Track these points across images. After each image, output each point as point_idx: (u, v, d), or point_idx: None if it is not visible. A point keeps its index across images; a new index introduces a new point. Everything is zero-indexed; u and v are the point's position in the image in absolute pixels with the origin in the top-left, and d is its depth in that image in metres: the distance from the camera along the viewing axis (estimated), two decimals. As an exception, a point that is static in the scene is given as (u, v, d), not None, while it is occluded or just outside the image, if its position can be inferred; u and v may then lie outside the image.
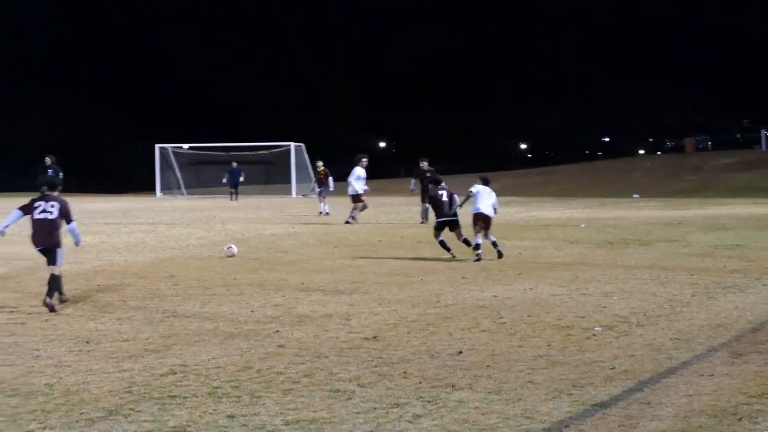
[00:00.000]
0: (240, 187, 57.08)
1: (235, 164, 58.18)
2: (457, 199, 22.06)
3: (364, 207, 33.70)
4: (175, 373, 9.76)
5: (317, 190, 42.05)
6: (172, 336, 11.90)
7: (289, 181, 63.05)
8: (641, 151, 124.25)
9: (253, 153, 65.42)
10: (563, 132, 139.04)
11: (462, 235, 21.44)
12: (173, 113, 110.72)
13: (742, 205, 42.35)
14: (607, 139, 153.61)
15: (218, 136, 72.46)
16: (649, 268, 18.65)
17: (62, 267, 14.76)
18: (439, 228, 21.89)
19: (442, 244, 21.61)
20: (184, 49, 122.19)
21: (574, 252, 22.07)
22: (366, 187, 33.68)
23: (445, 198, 22.07)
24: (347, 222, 32.39)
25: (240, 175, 57.12)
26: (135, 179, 78.82)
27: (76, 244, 15.25)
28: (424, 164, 33.07)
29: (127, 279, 17.84)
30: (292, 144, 63.68)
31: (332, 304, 14.52)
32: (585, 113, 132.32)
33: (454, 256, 21.01)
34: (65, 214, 14.78)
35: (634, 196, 53.27)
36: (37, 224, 14.63)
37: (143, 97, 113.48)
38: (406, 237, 26.99)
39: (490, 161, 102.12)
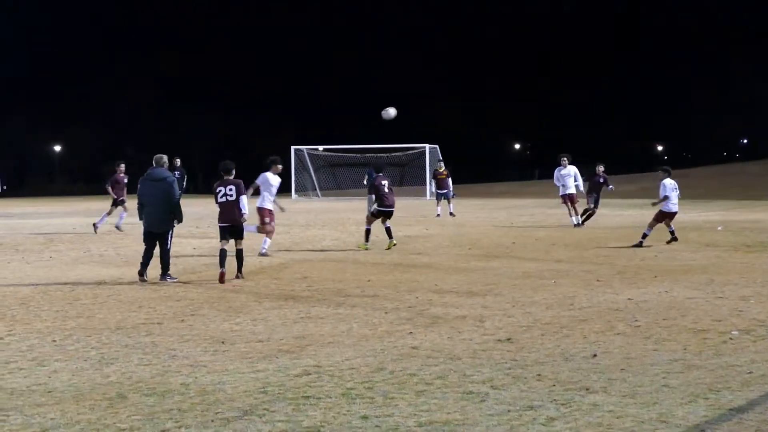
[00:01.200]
0: None
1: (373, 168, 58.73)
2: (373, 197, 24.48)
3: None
4: (309, 374, 9.89)
5: (435, 192, 42.09)
6: (306, 337, 12.05)
7: (423, 183, 63.26)
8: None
9: (388, 155, 65.80)
10: (700, 134, 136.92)
11: (388, 225, 24.48)
12: (310, 115, 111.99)
13: None
14: (744, 141, 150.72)
15: (352, 138, 72.94)
16: (789, 271, 18.31)
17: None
18: (376, 215, 24.17)
19: (368, 233, 24.08)
20: (326, 54, 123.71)
21: (710, 255, 21.75)
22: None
23: (386, 189, 24.41)
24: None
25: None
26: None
27: (242, 216, 18.34)
28: (600, 168, 33.21)
29: (262, 280, 18.11)
30: (427, 146, 63.93)
31: (466, 305, 14.54)
32: (722, 114, 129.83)
33: (368, 248, 23.93)
34: (240, 192, 18.50)
35: (719, 228, 52.16)
36: (222, 206, 18.50)
37: (281, 100, 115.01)
38: (540, 239, 26.90)
39: (628, 164, 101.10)
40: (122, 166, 31.42)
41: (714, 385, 9.12)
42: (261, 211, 22.76)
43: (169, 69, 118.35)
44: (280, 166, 23.08)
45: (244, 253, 18.93)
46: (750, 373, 9.67)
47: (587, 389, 9.05)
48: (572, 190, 32.85)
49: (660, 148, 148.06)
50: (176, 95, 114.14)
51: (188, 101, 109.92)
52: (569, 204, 32.76)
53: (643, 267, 19.40)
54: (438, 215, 39.59)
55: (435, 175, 43.21)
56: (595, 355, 10.66)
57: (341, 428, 7.85)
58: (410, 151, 66.50)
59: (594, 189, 32.78)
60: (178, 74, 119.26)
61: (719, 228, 30.11)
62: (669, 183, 24.66)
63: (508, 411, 8.28)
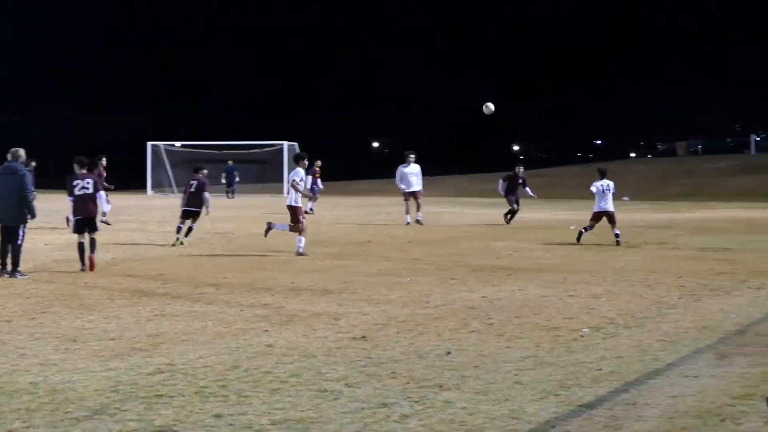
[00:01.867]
0: (238, 186, 57.50)
1: (231, 162, 58.45)
2: (208, 195, 26.12)
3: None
4: (162, 372, 9.76)
5: (310, 188, 41.94)
6: (159, 335, 11.89)
7: (281, 180, 63.05)
8: (632, 155, 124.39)
9: (246, 151, 65.44)
10: (555, 135, 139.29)
11: (193, 224, 25.61)
12: (166, 111, 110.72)
13: (732, 209, 42.50)
14: (599, 142, 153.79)
15: (211, 134, 72.32)
16: (637, 270, 18.71)
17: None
18: (182, 216, 25.50)
19: (179, 230, 25.17)
20: (182, 47, 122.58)
21: (563, 254, 22.13)
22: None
23: (192, 189, 25.93)
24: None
25: (237, 174, 57.47)
26: (125, 177, 78.56)
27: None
28: (520, 170, 34.04)
29: (115, 277, 17.85)
30: (285, 143, 63.71)
31: (321, 303, 14.53)
32: (577, 116, 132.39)
33: (181, 244, 24.64)
34: (97, 187, 19.45)
35: (624, 198, 53.30)
36: (78, 199, 19.16)
37: (137, 95, 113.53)
38: (396, 237, 27.04)
39: (486, 163, 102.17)
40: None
41: (564, 382, 9.27)
42: (294, 209, 22.61)
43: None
44: (307, 162, 23.63)
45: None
46: (599, 369, 9.84)
47: (441, 386, 9.11)
48: (417, 188, 32.95)
49: (516, 147, 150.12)
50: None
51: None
52: (408, 202, 32.95)
53: (497, 265, 19.63)
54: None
55: (313, 173, 42.76)
56: (449, 353, 10.74)
57: (194, 427, 7.76)
58: (268, 149, 66.17)
59: (513, 190, 33.23)
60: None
61: (572, 227, 30.63)
62: (598, 184, 25.61)
63: (362, 409, 8.28)
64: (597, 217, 25.54)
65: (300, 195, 22.68)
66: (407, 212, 32.92)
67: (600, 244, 24.56)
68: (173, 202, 51.31)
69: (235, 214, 38.91)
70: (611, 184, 25.83)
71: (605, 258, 21.15)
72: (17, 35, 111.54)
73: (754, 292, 15.71)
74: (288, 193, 23.16)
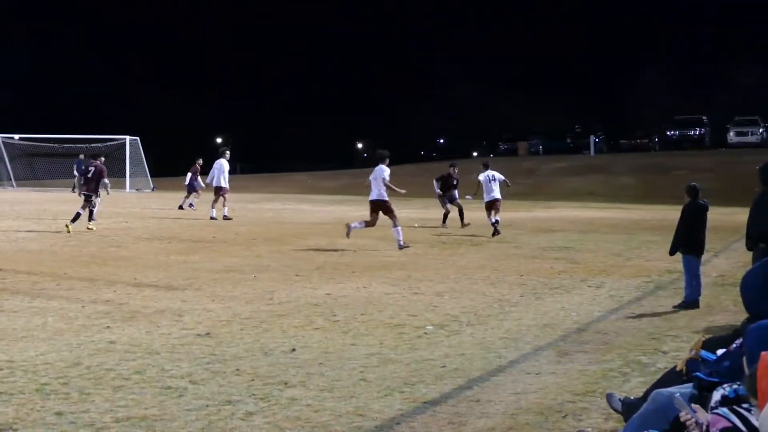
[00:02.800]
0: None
1: (82, 156, 57.53)
2: (107, 180, 27.74)
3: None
4: (2, 369, 9.52)
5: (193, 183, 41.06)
6: (-2, 331, 11.63)
7: (123, 175, 62.17)
8: (475, 154, 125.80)
9: (87, 146, 64.22)
10: (399, 132, 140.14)
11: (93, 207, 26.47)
12: (5, 103, 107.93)
13: (571, 209, 43.40)
14: (441, 141, 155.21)
15: (54, 128, 70.67)
16: (480, 268, 18.97)
17: None
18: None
19: (77, 216, 26.35)
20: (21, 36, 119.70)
21: (408, 251, 22.28)
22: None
23: (90, 175, 27.53)
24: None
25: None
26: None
27: None
28: (455, 170, 34.77)
29: (-49, 272, 17.38)
30: (128, 137, 62.90)
31: (165, 300, 14.37)
32: (422, 114, 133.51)
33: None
34: None
35: (467, 197, 53.93)
36: None
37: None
38: (241, 234, 26.89)
39: (331, 161, 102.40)
40: None
41: (409, 379, 9.35)
42: (382, 203, 23.15)
43: None
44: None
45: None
46: (443, 366, 9.95)
47: (286, 383, 9.10)
48: (223, 184, 33.95)
49: (360, 145, 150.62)
50: None
51: None
52: (221, 196, 34.03)
53: (342, 263, 19.68)
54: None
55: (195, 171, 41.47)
56: (293, 350, 10.73)
57: (35, 425, 7.60)
58: (110, 143, 65.12)
59: (447, 190, 33.30)
60: None
61: (416, 225, 30.93)
62: (483, 175, 28.45)
63: (207, 406, 8.23)
64: (489, 206, 27.81)
65: (385, 190, 23.16)
66: (212, 206, 34.16)
67: (445, 242, 24.82)
68: (13, 195, 50.23)
69: (75, 208, 38.08)
70: (496, 174, 28.47)
71: (448, 256, 21.38)
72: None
73: (594, 290, 16.06)
74: (376, 189, 22.95)
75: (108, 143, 64.99)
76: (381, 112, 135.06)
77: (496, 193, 28.07)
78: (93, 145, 64.08)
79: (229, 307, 13.81)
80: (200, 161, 40.90)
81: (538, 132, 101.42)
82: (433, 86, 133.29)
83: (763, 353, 4.79)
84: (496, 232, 26.58)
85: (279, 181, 70.72)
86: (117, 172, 62.56)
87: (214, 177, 34.26)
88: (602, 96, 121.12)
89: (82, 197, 28.35)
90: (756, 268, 6.80)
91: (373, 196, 23.08)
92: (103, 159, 29.64)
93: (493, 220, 26.85)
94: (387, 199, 23.06)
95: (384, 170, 23.06)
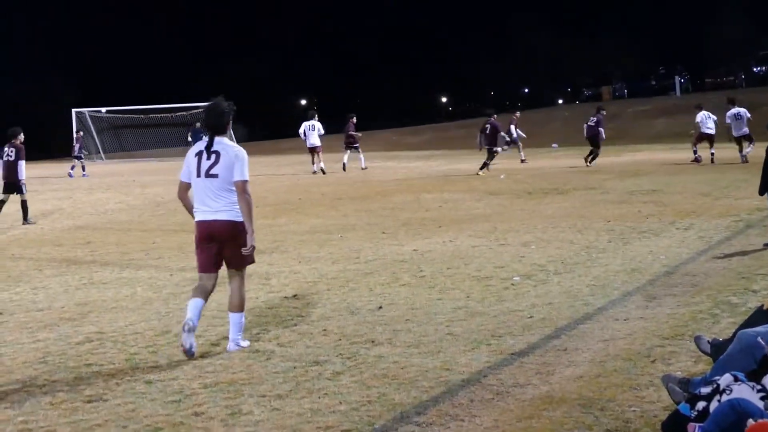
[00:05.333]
0: (166, 149, 57.15)
1: (198, 124, 58.29)
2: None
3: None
4: (92, 341, 9.64)
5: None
6: (88, 303, 11.77)
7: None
8: (560, 101, 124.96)
9: (173, 115, 64.81)
10: (484, 84, 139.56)
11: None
12: (92, 78, 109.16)
13: (658, 151, 42.88)
14: (526, 90, 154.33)
15: (137, 100, 71.35)
16: (567, 216, 18.82)
17: None
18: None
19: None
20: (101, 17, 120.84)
21: (494, 203, 22.19)
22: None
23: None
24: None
25: (202, 136, 57.39)
26: (51, 146, 77.36)
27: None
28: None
29: (43, 247, 17.65)
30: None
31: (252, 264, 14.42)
32: (504, 64, 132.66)
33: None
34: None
35: (553, 145, 53.63)
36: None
37: (62, 62, 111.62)
38: (326, 194, 26.97)
39: (413, 115, 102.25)
40: None
41: (496, 331, 9.29)
42: None
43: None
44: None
45: None
46: (530, 317, 9.88)
47: (373, 342, 9.09)
48: (316, 143, 37.78)
49: (444, 99, 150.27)
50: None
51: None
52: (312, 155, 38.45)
53: (427, 218, 19.64)
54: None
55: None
56: (380, 308, 10.72)
57: (124, 394, 7.67)
58: (194, 110, 65.56)
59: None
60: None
61: (501, 177, 30.77)
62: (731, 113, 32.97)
63: (294, 367, 8.25)
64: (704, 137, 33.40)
65: None
66: (312, 163, 38.41)
67: (530, 192, 24.67)
68: (102, 168, 50.95)
69: (163, 178, 38.53)
70: (741, 110, 32.70)
71: (535, 206, 21.24)
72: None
73: (683, 232, 15.84)
74: None
75: (192, 111, 65.47)
76: (462, 66, 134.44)
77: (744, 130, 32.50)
78: (179, 114, 64.69)
79: (316, 268, 13.85)
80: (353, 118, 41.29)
81: (621, 75, 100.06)
82: (511, 37, 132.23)
83: None
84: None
85: (364, 139, 70.83)
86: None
87: (307, 137, 37.78)
88: (684, 36, 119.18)
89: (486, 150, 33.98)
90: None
91: None
92: (496, 116, 35.81)
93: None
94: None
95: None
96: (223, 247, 9.19)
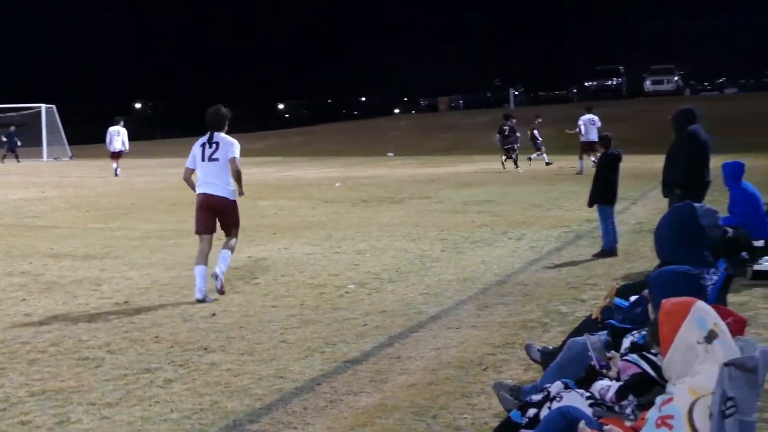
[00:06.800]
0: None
1: (13, 128, 56.99)
2: None
3: None
4: None
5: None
6: None
7: (40, 144, 61.27)
8: (396, 111, 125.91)
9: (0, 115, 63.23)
10: (322, 92, 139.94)
11: None
12: None
13: (493, 162, 43.48)
14: (363, 99, 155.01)
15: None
16: (402, 225, 18.96)
17: None
18: None
19: None
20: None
21: (329, 211, 22.24)
22: None
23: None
24: None
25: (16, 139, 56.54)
26: None
27: None
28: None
29: None
30: (43, 105, 61.91)
31: (83, 269, 14.18)
32: (343, 73, 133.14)
33: None
34: None
35: (389, 154, 54.02)
36: None
37: None
38: (162, 200, 26.63)
39: (255, 122, 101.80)
40: None
41: (330, 339, 9.30)
42: None
43: None
44: None
45: None
46: (364, 325, 9.92)
47: (206, 349, 9.01)
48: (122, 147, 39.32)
49: (281, 106, 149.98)
50: None
51: None
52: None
53: (263, 225, 19.56)
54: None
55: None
56: (214, 315, 10.64)
57: (-55, 404, 7.43)
58: (24, 111, 64.12)
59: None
60: None
61: (337, 184, 30.86)
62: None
63: (125, 375, 8.12)
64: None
65: None
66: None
67: (366, 201, 24.79)
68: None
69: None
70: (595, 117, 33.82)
71: (370, 214, 21.35)
72: None
73: (515, 242, 16.12)
74: None
75: (22, 112, 64.02)
76: (304, 73, 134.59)
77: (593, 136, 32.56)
78: (7, 114, 63.12)
79: (148, 274, 13.68)
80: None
81: (458, 87, 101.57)
82: (353, 45, 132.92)
83: (663, 301, 4.79)
84: None
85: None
86: (33, 141, 61.66)
87: (111, 142, 39.22)
88: (521, 50, 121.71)
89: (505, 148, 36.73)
90: (666, 216, 6.85)
91: None
92: (515, 120, 37.42)
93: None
94: None
95: None
96: (217, 216, 12.10)
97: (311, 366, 8.29)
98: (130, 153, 40.33)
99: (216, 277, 11.76)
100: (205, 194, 11.92)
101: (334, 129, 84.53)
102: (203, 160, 11.85)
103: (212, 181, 11.86)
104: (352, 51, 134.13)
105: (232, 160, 11.81)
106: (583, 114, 34.64)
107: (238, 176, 11.97)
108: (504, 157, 37.01)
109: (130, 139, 40.05)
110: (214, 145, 11.88)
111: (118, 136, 39.28)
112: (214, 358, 8.65)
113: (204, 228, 12.05)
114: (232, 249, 12.21)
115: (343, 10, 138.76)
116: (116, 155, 39.33)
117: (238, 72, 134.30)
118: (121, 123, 40.00)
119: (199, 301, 11.31)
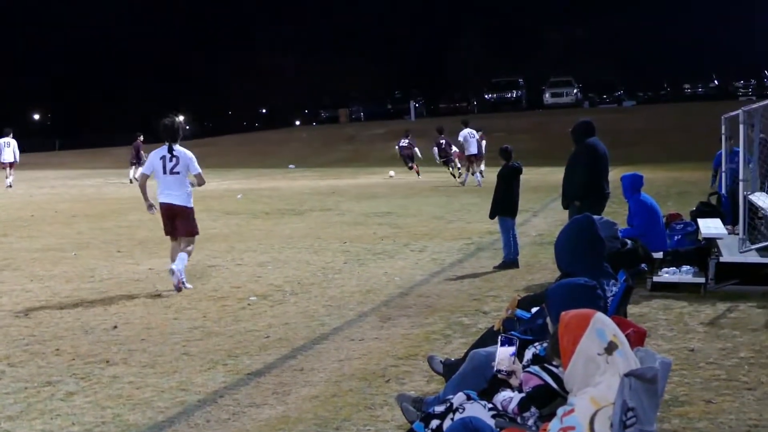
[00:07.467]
0: None
1: None
2: None
3: None
4: None
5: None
6: None
7: None
8: (297, 122, 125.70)
9: None
10: (222, 103, 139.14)
11: None
12: None
13: (390, 174, 43.69)
14: (264, 111, 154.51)
15: None
16: (304, 237, 18.99)
17: None
18: None
19: None
20: None
21: (231, 223, 22.19)
22: None
23: None
24: None
25: None
26: None
27: None
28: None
29: None
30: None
31: (-20, 282, 14.02)
32: (243, 83, 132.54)
33: None
34: None
35: (290, 166, 53.94)
36: None
37: None
38: (61, 211, 26.36)
39: (154, 134, 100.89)
40: None
41: (233, 351, 9.33)
42: None
43: None
44: None
45: None
46: (267, 337, 9.97)
47: (107, 361, 8.99)
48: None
49: (181, 118, 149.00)
50: None
51: None
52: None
53: (164, 237, 19.34)
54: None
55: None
56: (115, 327, 10.61)
57: None
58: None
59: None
60: None
61: (239, 196, 30.78)
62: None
63: (26, 388, 8.08)
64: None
65: None
66: (6, 177, 38.67)
67: (268, 213, 24.78)
68: None
69: None
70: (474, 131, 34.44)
71: (272, 226, 21.34)
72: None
73: (417, 254, 16.25)
74: None
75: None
76: (200, 83, 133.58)
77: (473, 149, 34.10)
78: None
79: (49, 286, 13.57)
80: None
81: (358, 98, 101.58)
82: (252, 55, 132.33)
83: (563, 313, 4.90)
84: None
85: (101, 156, 69.19)
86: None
87: (1, 153, 39.02)
88: (420, 61, 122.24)
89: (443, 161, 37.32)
90: (566, 228, 6.99)
91: None
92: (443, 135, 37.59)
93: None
94: None
95: None
96: (176, 219, 13.23)
97: (214, 378, 8.32)
98: (28, 164, 39.94)
99: (172, 272, 12.85)
100: (168, 204, 13.22)
101: (234, 141, 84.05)
102: (165, 173, 13.06)
103: (174, 192, 13.15)
104: (252, 61, 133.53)
105: (198, 176, 13.35)
106: (461, 129, 35.08)
107: (201, 182, 13.66)
108: (451, 169, 37.44)
109: (28, 151, 39.83)
110: (174, 159, 13.07)
111: (8, 147, 39.16)
112: (116, 371, 8.63)
113: (169, 232, 13.42)
114: (189, 253, 13.32)
115: (242, 19, 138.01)
116: (8, 166, 39.05)
117: (136, 84, 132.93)
118: (11, 134, 39.85)
119: (171, 272, 12.87)
